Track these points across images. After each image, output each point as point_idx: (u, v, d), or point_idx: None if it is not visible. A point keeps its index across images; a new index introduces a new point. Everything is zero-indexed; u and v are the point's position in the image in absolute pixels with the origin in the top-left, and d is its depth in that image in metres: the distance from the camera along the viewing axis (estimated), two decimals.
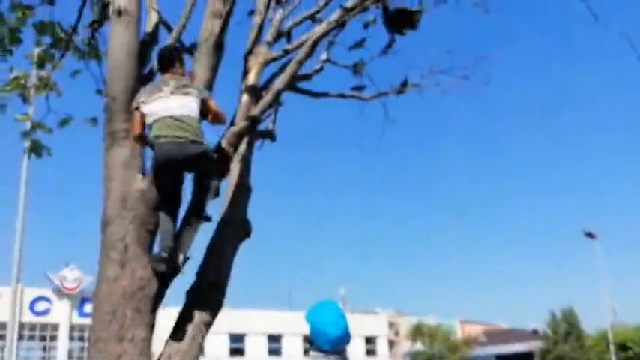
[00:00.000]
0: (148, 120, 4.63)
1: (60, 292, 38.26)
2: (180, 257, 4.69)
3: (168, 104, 4.58)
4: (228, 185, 5.78)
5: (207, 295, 4.88)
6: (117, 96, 4.85)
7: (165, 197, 4.68)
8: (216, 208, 5.53)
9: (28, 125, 7.14)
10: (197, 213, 4.81)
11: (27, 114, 7.26)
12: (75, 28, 6.79)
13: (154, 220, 4.68)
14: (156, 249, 4.68)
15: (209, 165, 4.72)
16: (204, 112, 4.74)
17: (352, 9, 5.24)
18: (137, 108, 4.69)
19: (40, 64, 7.00)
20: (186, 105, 4.60)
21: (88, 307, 34.81)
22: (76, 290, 38.43)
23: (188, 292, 4.90)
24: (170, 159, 4.53)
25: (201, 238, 5.07)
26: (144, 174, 4.81)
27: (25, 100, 7.11)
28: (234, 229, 5.58)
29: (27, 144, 6.99)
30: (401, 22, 5.85)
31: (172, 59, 4.88)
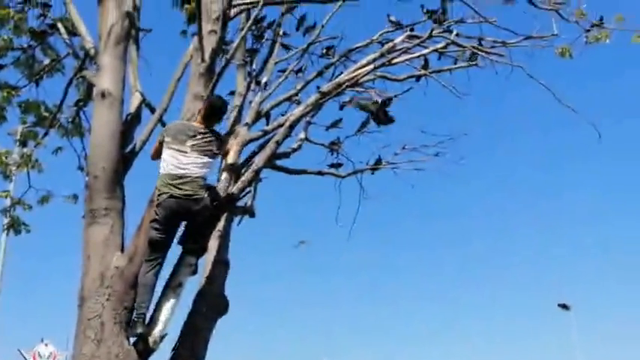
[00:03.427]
0: (161, 162, 4.79)
1: None
2: (157, 334, 4.70)
3: (184, 161, 4.72)
4: (206, 261, 5.83)
5: None
6: (98, 175, 4.96)
7: (156, 246, 4.75)
8: (193, 284, 5.58)
9: (7, 202, 7.19)
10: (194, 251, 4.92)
11: (7, 190, 7.32)
12: (60, 107, 6.98)
13: (131, 297, 4.70)
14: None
15: (206, 215, 4.86)
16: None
17: (328, 93, 5.48)
18: (161, 142, 4.87)
19: (23, 142, 7.12)
20: (200, 166, 4.75)
21: None
22: None
23: None
24: (171, 213, 4.68)
25: (179, 315, 5.10)
26: (122, 251, 4.87)
27: (5, 176, 7.19)
28: (212, 305, 5.60)
29: (6, 220, 7.02)
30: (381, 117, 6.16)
31: (218, 111, 5.03)
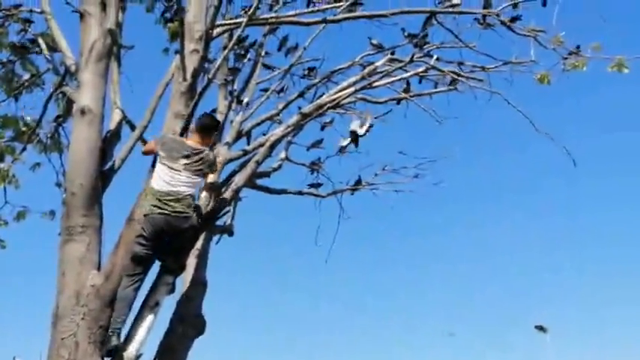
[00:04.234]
0: (154, 175, 4.80)
1: None
2: (133, 353, 4.65)
3: (176, 178, 4.73)
4: (184, 280, 5.81)
5: None
6: (76, 192, 4.92)
7: (140, 261, 4.71)
8: (170, 304, 5.54)
9: None
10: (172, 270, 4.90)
11: None
12: (39, 122, 6.93)
13: (107, 316, 4.65)
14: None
15: (190, 234, 4.90)
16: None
17: (309, 114, 5.52)
18: (153, 150, 4.92)
19: (0, 157, 7.05)
20: (190, 185, 4.79)
21: None
22: None
23: None
24: (160, 230, 4.67)
25: (155, 334, 5.06)
26: (99, 269, 4.83)
27: None
28: (188, 325, 5.58)
29: None
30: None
31: (211, 130, 5.08)
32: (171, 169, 4.75)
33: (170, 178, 4.73)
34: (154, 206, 4.66)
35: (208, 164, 4.90)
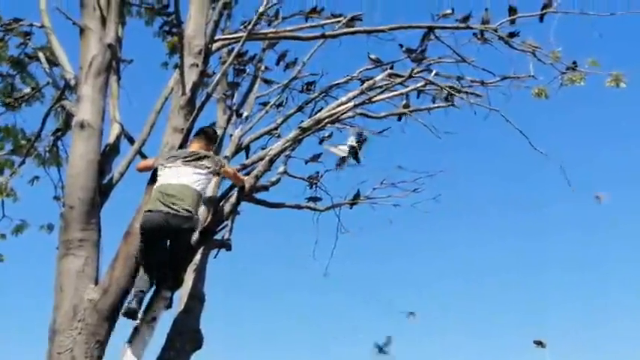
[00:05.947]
0: (155, 184, 4.81)
1: None
2: None
3: (177, 173, 4.75)
4: (181, 295, 5.79)
5: None
6: (74, 205, 4.92)
7: (148, 263, 4.68)
8: (168, 319, 5.52)
9: None
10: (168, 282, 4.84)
11: None
12: (38, 135, 6.94)
13: (104, 331, 4.64)
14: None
15: (188, 237, 4.84)
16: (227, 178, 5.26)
17: (308, 128, 5.52)
18: (151, 166, 4.99)
19: None
20: (195, 179, 4.76)
21: None
22: None
23: None
24: (159, 226, 4.58)
25: (152, 349, 5.03)
26: (97, 283, 4.81)
27: None
28: (186, 339, 5.54)
29: None
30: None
31: (211, 139, 5.20)
32: (172, 167, 4.79)
33: (172, 174, 4.75)
34: (158, 201, 4.62)
35: (213, 160, 4.92)
